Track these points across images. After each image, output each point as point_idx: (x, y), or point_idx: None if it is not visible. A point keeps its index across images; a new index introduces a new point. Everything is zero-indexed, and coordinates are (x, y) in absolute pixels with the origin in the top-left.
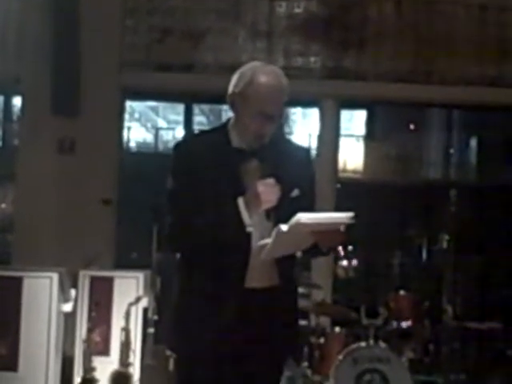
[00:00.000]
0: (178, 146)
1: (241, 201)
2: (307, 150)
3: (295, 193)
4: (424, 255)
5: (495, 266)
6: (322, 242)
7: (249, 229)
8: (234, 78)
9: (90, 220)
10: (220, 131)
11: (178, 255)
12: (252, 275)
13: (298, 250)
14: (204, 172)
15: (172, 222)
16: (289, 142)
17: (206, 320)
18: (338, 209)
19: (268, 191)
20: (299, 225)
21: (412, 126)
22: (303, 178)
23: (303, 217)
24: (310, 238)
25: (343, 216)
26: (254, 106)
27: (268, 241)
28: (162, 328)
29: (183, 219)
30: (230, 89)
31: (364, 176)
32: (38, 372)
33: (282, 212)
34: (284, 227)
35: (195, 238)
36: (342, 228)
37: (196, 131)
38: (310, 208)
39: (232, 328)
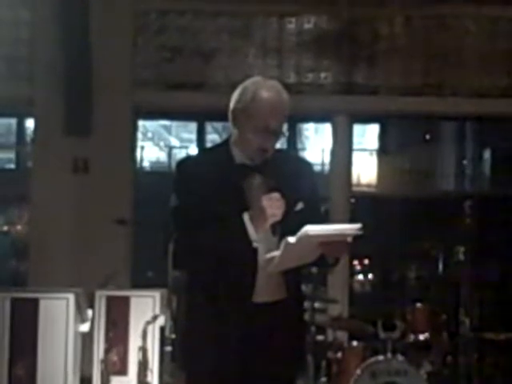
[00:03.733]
0: (181, 163)
1: (246, 216)
2: (309, 163)
3: (299, 206)
4: (440, 267)
5: (511, 276)
6: (328, 252)
7: (255, 244)
8: (236, 94)
9: (106, 240)
10: (222, 148)
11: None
12: (260, 290)
13: (305, 262)
14: (208, 189)
15: (177, 240)
16: (290, 156)
17: (214, 338)
18: (352, 223)
19: (273, 206)
20: (307, 237)
21: (428, 136)
22: (306, 191)
23: (311, 229)
24: (317, 250)
25: (351, 227)
26: (258, 121)
27: (275, 254)
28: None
29: (188, 237)
30: (232, 105)
31: (378, 190)
32: None
33: (287, 226)
34: (292, 239)
35: (201, 256)
36: (349, 239)
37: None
38: (315, 221)
39: (241, 344)
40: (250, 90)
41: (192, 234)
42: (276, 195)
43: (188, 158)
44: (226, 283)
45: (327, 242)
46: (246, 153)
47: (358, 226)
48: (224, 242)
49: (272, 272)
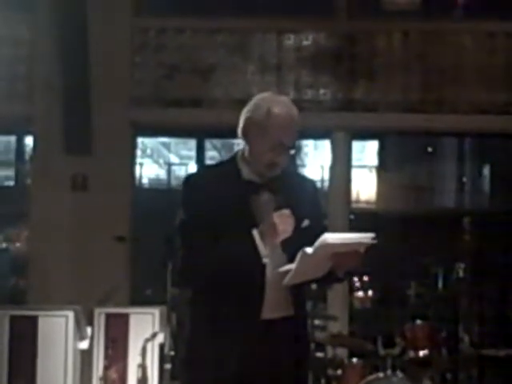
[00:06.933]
0: (189, 179)
1: (256, 232)
2: (313, 181)
3: (305, 223)
4: (440, 284)
5: (511, 292)
6: (341, 263)
7: (264, 260)
8: (247, 110)
9: (105, 257)
10: (229, 164)
11: (191, 290)
12: (268, 306)
13: (317, 276)
14: (215, 205)
15: (185, 255)
16: (295, 173)
17: (221, 354)
18: None
19: (284, 222)
20: (325, 245)
21: (428, 152)
22: (311, 208)
23: (329, 237)
24: (329, 263)
25: (366, 236)
26: (273, 137)
27: (290, 266)
28: (178, 364)
29: (196, 252)
30: (244, 120)
31: (377, 206)
32: None
33: (294, 243)
34: (309, 250)
35: (209, 272)
36: (362, 249)
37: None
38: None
39: (248, 360)
40: (263, 106)
41: (200, 250)
42: (286, 212)
43: (195, 173)
44: (234, 299)
45: (340, 253)
46: (256, 168)
47: (371, 235)
48: (233, 258)
49: (287, 284)
